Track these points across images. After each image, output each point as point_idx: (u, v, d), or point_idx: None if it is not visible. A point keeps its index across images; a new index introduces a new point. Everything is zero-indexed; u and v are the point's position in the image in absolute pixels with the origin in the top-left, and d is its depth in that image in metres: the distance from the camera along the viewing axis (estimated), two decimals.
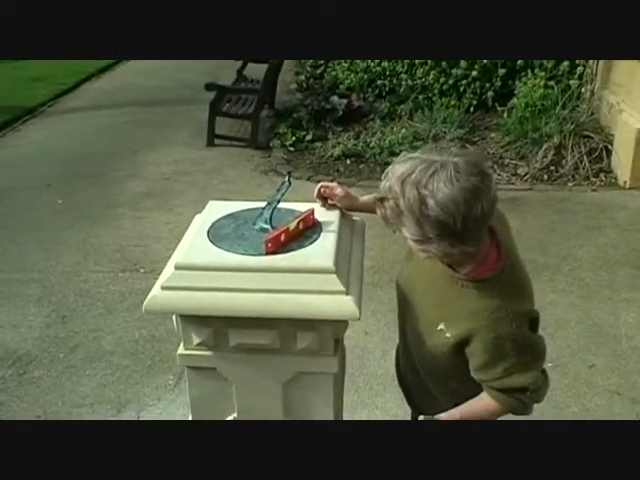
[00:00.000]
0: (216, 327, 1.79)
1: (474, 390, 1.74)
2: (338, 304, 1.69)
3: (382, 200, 1.57)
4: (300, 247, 1.82)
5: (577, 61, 6.62)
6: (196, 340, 1.81)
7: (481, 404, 1.73)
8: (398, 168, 1.54)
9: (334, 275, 1.71)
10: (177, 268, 1.75)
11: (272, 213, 1.90)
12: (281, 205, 1.94)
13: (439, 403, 1.86)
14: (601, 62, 6.44)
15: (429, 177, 1.48)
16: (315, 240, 1.85)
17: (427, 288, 1.76)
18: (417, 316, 1.79)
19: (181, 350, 1.87)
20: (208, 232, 1.89)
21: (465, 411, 1.74)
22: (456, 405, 1.78)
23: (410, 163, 1.53)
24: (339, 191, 1.99)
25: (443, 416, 1.72)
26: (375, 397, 3.27)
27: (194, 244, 1.84)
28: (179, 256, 1.80)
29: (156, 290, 1.74)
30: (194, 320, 1.79)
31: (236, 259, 1.76)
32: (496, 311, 1.61)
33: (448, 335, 1.67)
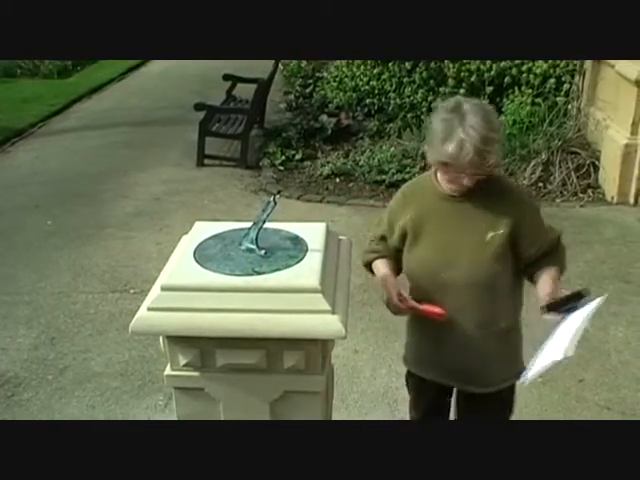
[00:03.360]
0: (203, 348, 1.80)
1: (518, 334, 2.34)
2: (324, 323, 1.70)
3: (490, 147, 1.98)
4: (287, 266, 1.83)
5: (563, 78, 6.70)
6: (183, 361, 1.82)
7: (557, 256, 2.35)
8: (470, 133, 1.96)
9: (320, 294, 1.72)
10: (163, 289, 1.75)
11: (258, 233, 1.91)
12: (267, 225, 1.95)
13: (492, 369, 2.24)
14: (587, 79, 6.51)
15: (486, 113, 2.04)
16: (301, 259, 1.86)
17: (466, 222, 2.12)
18: (461, 255, 2.11)
19: (168, 371, 1.87)
20: (194, 253, 1.90)
21: (557, 269, 2.34)
22: (505, 370, 2.24)
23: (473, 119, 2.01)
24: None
25: (551, 276, 2.30)
26: (365, 415, 3.26)
27: (180, 265, 1.85)
28: (165, 277, 1.80)
29: (142, 311, 1.75)
30: (181, 341, 1.79)
31: (222, 279, 1.77)
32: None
33: (501, 231, 2.09)
